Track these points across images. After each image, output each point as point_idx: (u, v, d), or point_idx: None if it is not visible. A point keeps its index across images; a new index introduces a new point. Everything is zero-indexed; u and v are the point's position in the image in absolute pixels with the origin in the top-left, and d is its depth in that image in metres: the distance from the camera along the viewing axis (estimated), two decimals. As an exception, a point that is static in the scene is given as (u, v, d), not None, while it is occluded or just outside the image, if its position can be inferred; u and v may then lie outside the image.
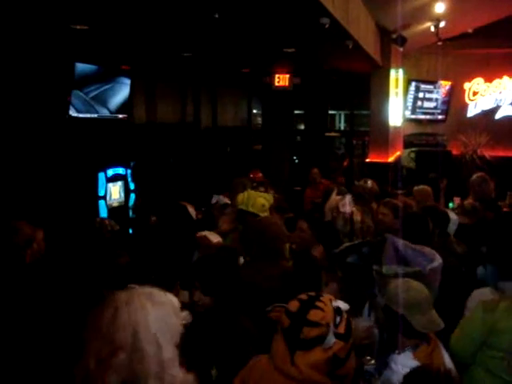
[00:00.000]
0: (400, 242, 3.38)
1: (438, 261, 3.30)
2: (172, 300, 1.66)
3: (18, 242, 3.18)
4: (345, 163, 11.95)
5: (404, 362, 2.37)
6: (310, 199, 7.43)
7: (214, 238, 4.09)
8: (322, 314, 1.93)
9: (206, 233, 4.16)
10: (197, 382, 1.66)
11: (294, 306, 2.00)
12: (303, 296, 2.03)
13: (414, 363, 2.34)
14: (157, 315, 1.58)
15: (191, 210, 4.95)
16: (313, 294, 2.05)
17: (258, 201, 4.50)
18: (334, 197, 5.62)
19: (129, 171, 7.92)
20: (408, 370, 2.28)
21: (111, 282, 2.72)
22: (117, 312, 1.54)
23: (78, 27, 5.81)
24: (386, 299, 2.58)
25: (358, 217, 5.47)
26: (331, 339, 1.90)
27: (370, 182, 5.96)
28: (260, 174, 8.31)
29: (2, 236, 3.20)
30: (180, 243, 4.23)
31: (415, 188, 6.00)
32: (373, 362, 2.53)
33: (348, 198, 5.54)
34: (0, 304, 2.75)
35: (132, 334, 1.52)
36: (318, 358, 1.89)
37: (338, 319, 1.94)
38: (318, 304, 1.96)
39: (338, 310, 1.97)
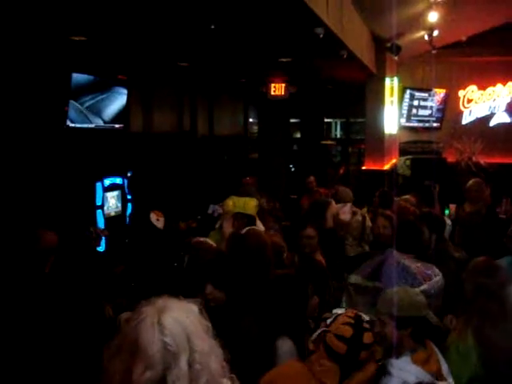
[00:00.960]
0: (397, 259, 3.40)
1: (426, 286, 3.30)
2: (192, 304, 1.65)
3: (41, 249, 3.12)
4: (341, 171, 11.99)
5: (402, 366, 2.37)
6: (306, 207, 7.45)
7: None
8: (371, 335, 2.10)
9: (202, 239, 4.17)
10: None
11: (347, 331, 2.10)
12: (348, 319, 2.15)
13: (413, 367, 2.36)
14: (194, 317, 1.58)
15: (156, 217, 4.83)
16: (351, 314, 2.19)
17: (250, 203, 4.57)
18: (335, 204, 5.68)
19: (126, 181, 7.94)
20: (406, 373, 2.31)
21: (108, 290, 2.73)
22: (160, 320, 1.50)
23: (76, 38, 5.86)
24: (411, 306, 2.53)
25: (369, 223, 5.51)
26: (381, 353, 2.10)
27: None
28: (250, 181, 8.26)
29: (25, 243, 3.15)
30: (146, 250, 4.17)
31: (397, 198, 6.00)
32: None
33: (348, 205, 5.60)
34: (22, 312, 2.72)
35: (186, 338, 1.50)
36: (370, 373, 2.08)
37: None
38: (366, 325, 2.12)
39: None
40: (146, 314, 1.51)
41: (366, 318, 2.21)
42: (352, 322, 2.13)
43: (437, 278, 3.35)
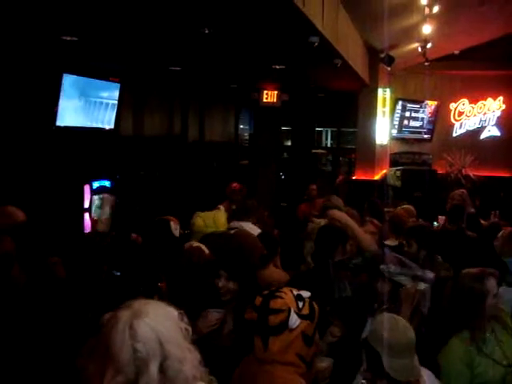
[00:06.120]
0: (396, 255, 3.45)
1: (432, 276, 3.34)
2: (172, 308, 1.64)
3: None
4: (337, 181, 11.57)
5: None
6: (303, 214, 7.41)
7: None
8: (281, 301, 2.17)
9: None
10: None
11: (257, 301, 2.24)
12: (265, 292, 2.28)
13: None
14: (171, 322, 1.58)
15: (174, 225, 4.81)
16: (273, 288, 2.30)
17: (221, 219, 4.46)
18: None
19: (114, 184, 7.84)
20: None
21: (98, 296, 2.67)
22: (133, 325, 1.50)
23: (68, 38, 5.79)
24: (368, 334, 2.44)
25: None
26: (294, 320, 2.13)
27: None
28: (237, 187, 8.11)
29: None
30: (161, 257, 4.12)
31: (399, 208, 5.98)
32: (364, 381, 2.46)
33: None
34: None
35: (158, 344, 1.50)
36: (287, 338, 2.13)
37: (300, 304, 2.19)
38: (278, 294, 2.22)
39: (299, 296, 2.22)
40: (120, 318, 1.51)
41: (302, 293, 2.25)
42: (266, 292, 2.25)
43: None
